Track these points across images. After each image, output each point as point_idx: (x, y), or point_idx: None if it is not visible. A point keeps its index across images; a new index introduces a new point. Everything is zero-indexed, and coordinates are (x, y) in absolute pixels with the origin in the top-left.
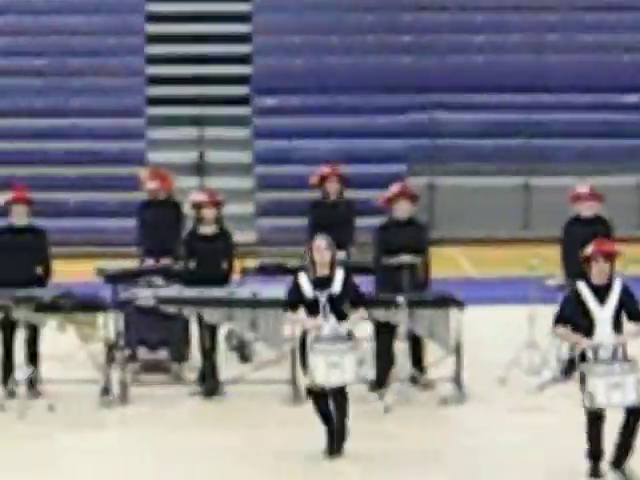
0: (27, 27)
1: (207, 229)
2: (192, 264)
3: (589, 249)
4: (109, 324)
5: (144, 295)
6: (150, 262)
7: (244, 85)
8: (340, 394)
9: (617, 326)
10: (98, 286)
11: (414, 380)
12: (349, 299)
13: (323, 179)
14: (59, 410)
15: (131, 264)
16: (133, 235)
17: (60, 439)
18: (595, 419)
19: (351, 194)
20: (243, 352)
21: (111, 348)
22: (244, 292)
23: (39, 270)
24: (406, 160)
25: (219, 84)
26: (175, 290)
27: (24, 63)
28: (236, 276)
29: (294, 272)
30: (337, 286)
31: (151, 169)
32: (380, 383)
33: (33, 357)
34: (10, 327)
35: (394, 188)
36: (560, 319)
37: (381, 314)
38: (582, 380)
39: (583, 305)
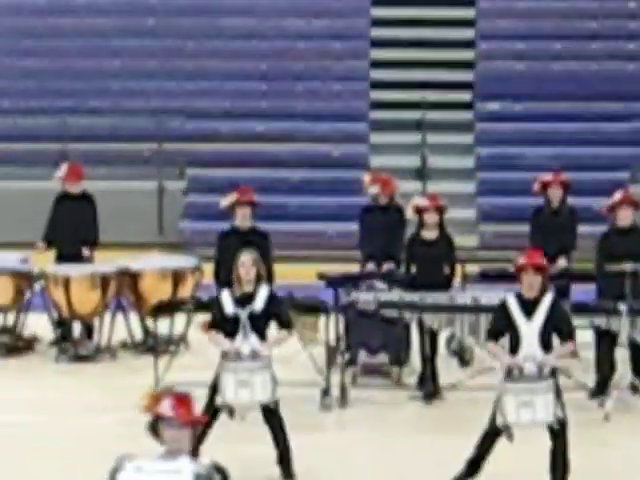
0: (254, 30)
1: (429, 234)
2: (413, 269)
3: (520, 260)
4: (330, 327)
5: (365, 299)
6: (371, 266)
7: (467, 90)
8: (270, 416)
9: (546, 342)
10: (320, 289)
11: (634, 388)
12: (274, 318)
13: (546, 186)
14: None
15: (352, 268)
16: (354, 239)
17: None
18: (492, 434)
19: (573, 201)
20: (463, 357)
21: (332, 351)
22: (465, 297)
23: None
24: (629, 167)
25: (442, 89)
26: (396, 294)
27: (249, 66)
28: (457, 281)
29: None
30: (259, 303)
31: (373, 173)
32: (600, 391)
33: None
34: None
35: (616, 195)
36: (491, 334)
37: (602, 321)
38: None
39: (509, 319)
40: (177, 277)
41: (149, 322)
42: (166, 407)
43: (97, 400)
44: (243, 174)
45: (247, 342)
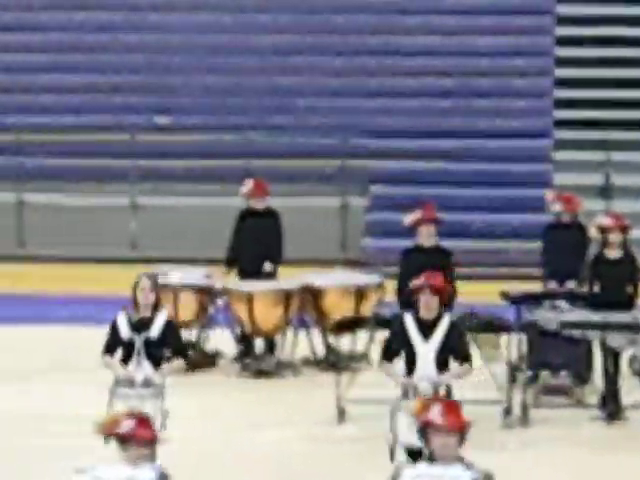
0: (438, 48)
1: (612, 253)
2: (596, 288)
3: (418, 280)
4: (512, 346)
5: (548, 318)
6: (553, 285)
7: None
8: None
9: (441, 363)
10: (501, 307)
11: None
12: (169, 346)
13: None
14: None
15: (535, 287)
16: (536, 257)
17: None
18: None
19: None
20: None
21: (514, 369)
22: None
23: None
24: None
25: (626, 108)
26: (579, 314)
27: (433, 84)
28: None
29: None
30: (156, 330)
31: (557, 191)
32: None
33: None
34: None
35: None
36: (386, 355)
37: None
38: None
39: (406, 338)
40: (360, 294)
41: (331, 338)
42: (436, 414)
43: (278, 415)
44: (426, 191)
45: (141, 369)
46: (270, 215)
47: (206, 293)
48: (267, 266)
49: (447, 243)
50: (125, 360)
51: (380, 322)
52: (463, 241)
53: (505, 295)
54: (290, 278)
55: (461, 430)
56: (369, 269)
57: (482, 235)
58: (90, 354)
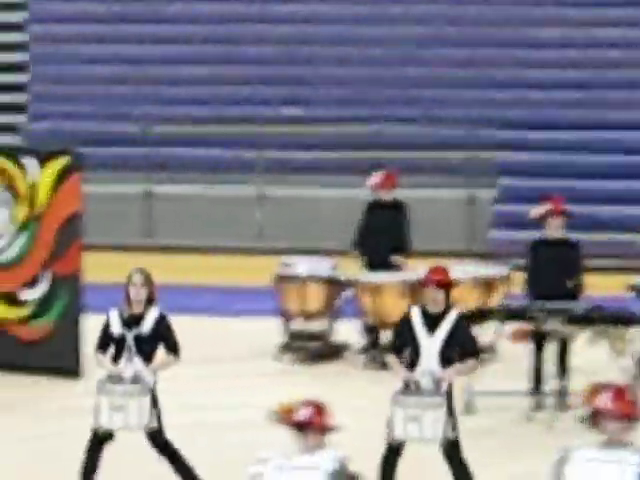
0: (570, 40)
1: None
2: None
3: (423, 275)
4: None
5: None
6: None
7: None
8: (153, 442)
9: (446, 359)
10: (629, 300)
11: None
12: (162, 342)
13: None
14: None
15: None
16: None
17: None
18: (391, 452)
19: None
20: None
21: None
22: None
23: (571, 283)
24: None
25: None
26: None
27: (563, 75)
28: None
29: None
30: (147, 326)
31: None
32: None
33: (563, 369)
34: (541, 338)
35: None
36: (392, 348)
37: None
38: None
39: (411, 332)
40: (487, 286)
41: None
42: (606, 400)
43: None
44: (554, 183)
45: (131, 365)
46: (397, 207)
47: (333, 284)
48: (395, 258)
49: (575, 235)
50: (117, 356)
51: (508, 314)
52: (591, 233)
53: (633, 288)
54: (417, 270)
55: (631, 416)
56: (496, 261)
57: (611, 227)
58: (219, 345)
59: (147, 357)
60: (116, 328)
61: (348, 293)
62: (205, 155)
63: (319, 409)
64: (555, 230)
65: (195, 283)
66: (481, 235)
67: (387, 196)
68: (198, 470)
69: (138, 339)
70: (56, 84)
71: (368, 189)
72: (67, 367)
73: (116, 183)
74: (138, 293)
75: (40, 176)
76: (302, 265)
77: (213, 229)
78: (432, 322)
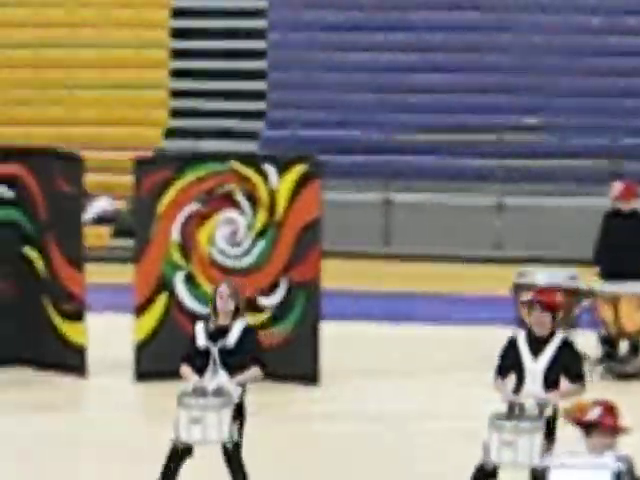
0: None
1: None
2: None
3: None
4: None
5: None
6: None
7: None
8: (227, 457)
9: (552, 382)
10: None
11: None
12: (247, 355)
13: None
14: None
15: None
16: None
17: None
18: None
19: None
20: None
21: None
22: None
23: None
24: None
25: None
26: None
27: None
28: None
29: None
30: (232, 338)
31: None
32: None
33: None
34: None
35: None
36: (498, 371)
37: None
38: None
39: (517, 355)
40: None
41: None
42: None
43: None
44: None
45: (215, 378)
46: (637, 217)
47: (571, 294)
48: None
49: None
50: (202, 370)
51: None
52: None
53: None
54: None
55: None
56: None
57: None
58: (453, 354)
59: (232, 370)
60: (201, 341)
61: (586, 303)
62: (444, 163)
63: (610, 410)
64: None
65: (430, 291)
66: None
67: (627, 206)
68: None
69: (223, 352)
70: (294, 91)
71: (609, 199)
72: (305, 374)
73: (355, 191)
74: (225, 305)
75: (280, 183)
76: (540, 275)
77: (451, 238)
78: (537, 345)
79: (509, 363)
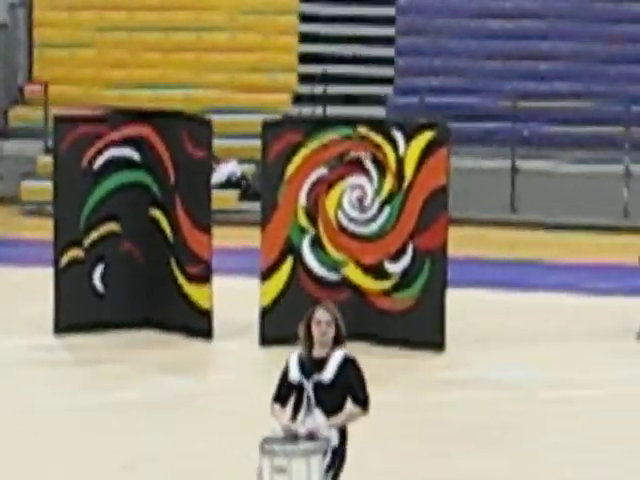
0: None
1: None
2: None
3: None
4: None
5: None
6: None
7: None
8: None
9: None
10: None
11: None
12: (347, 392)
13: None
14: None
15: None
16: None
17: None
18: None
19: None
20: None
21: None
22: None
23: None
24: None
25: None
26: None
27: None
28: None
29: None
30: (330, 372)
31: None
32: None
33: None
34: None
35: None
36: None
37: None
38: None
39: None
40: None
41: None
42: None
43: None
44: None
45: (310, 419)
46: None
47: None
48: None
49: None
50: (296, 408)
51: None
52: None
53: None
54: None
55: None
56: None
57: None
58: (580, 323)
59: (329, 409)
60: (294, 375)
61: None
62: (571, 131)
63: None
64: None
65: (557, 260)
66: None
67: None
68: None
69: (318, 388)
70: (423, 57)
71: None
72: (431, 340)
73: (482, 158)
74: (324, 333)
75: (407, 149)
76: None
77: (578, 206)
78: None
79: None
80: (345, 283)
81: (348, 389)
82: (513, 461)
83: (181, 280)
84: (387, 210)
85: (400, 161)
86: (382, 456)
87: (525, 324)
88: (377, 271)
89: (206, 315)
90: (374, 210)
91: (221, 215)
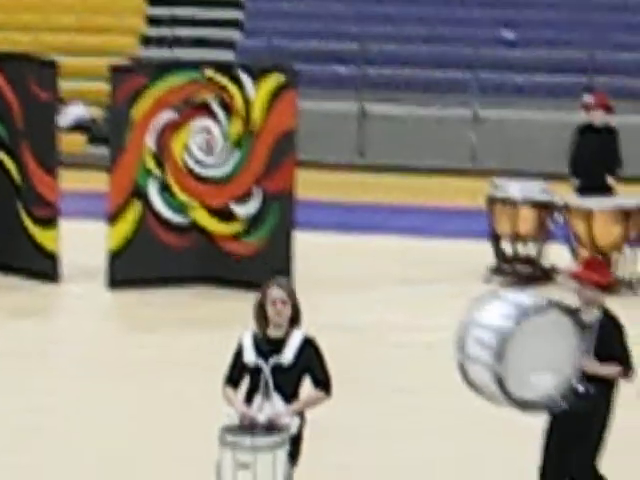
0: None
1: None
2: None
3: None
4: None
5: None
6: None
7: None
8: None
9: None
10: None
11: None
12: (308, 374)
13: None
14: None
15: None
16: None
17: None
18: None
19: None
20: None
21: None
22: None
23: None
24: None
25: None
26: None
27: None
28: None
29: None
30: (289, 354)
31: None
32: None
33: None
34: None
35: None
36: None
37: None
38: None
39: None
40: None
41: None
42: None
43: None
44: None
45: (268, 405)
46: (609, 131)
47: (545, 208)
48: (610, 180)
49: None
50: (251, 392)
51: None
52: None
53: None
54: (628, 195)
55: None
56: None
57: None
58: (425, 266)
59: (288, 394)
60: (250, 356)
61: (559, 217)
62: (420, 75)
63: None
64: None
65: (404, 203)
66: None
67: (599, 120)
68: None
69: (277, 371)
70: (272, 1)
71: (581, 110)
72: None
73: (330, 101)
74: (280, 312)
75: (255, 92)
76: (515, 188)
77: (426, 150)
78: (271, 346)
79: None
80: (193, 226)
81: (308, 371)
82: (362, 405)
83: (27, 222)
84: (235, 153)
85: (248, 104)
86: None
87: (372, 267)
88: (225, 214)
89: (52, 258)
90: (222, 153)
91: (70, 158)
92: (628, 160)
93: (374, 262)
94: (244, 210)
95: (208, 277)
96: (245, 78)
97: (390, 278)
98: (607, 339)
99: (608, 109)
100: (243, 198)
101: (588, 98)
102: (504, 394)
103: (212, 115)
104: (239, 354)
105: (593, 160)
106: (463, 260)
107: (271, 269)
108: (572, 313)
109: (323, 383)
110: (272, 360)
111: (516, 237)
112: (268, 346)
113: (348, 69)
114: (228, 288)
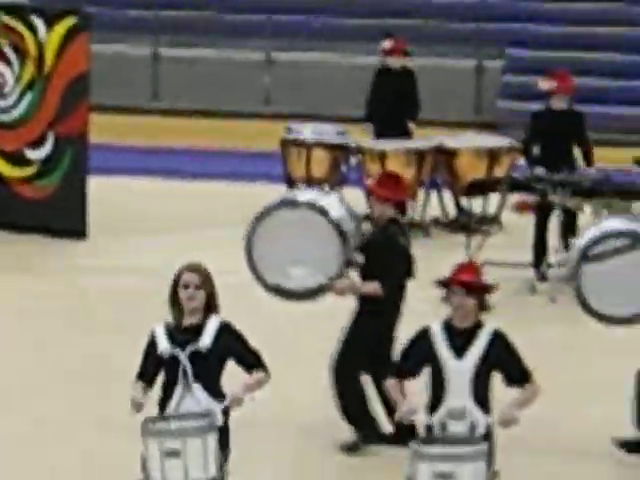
0: None
1: None
2: None
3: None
4: None
5: None
6: None
7: None
8: None
9: (479, 389)
10: (635, 174)
11: None
12: (234, 359)
13: None
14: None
15: None
16: None
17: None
18: None
19: None
20: None
21: None
22: None
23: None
24: None
25: None
26: None
27: None
28: None
29: None
30: (207, 338)
31: None
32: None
33: (567, 241)
34: (546, 210)
35: None
36: (398, 370)
37: None
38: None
39: (432, 353)
40: (493, 156)
41: (463, 200)
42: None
43: None
44: (561, 55)
45: (189, 397)
46: (406, 74)
47: (339, 150)
48: (410, 125)
49: (583, 108)
50: (171, 384)
51: (513, 185)
52: (599, 107)
53: (638, 161)
54: (424, 139)
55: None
56: (502, 131)
57: (619, 101)
58: (226, 209)
59: (210, 384)
60: (164, 346)
61: (354, 160)
62: (215, 18)
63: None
64: (559, 103)
65: (201, 146)
66: (488, 105)
67: (396, 63)
68: None
69: (196, 358)
70: None
71: (379, 55)
72: (72, 228)
73: (124, 44)
74: (192, 297)
75: (47, 35)
76: (307, 130)
77: (220, 93)
78: (459, 340)
79: (416, 362)
80: None
81: (231, 356)
82: None
83: None
84: (27, 97)
85: (41, 48)
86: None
87: (167, 211)
88: (18, 159)
89: None
90: (14, 97)
91: None
92: (424, 103)
93: (170, 206)
94: (37, 154)
95: (1, 222)
96: (37, 21)
97: (182, 221)
98: (372, 258)
99: (406, 54)
100: (36, 142)
101: (387, 43)
102: (257, 279)
103: (3, 58)
104: (152, 345)
105: (391, 103)
106: (257, 203)
107: (65, 213)
108: (325, 213)
109: (256, 364)
110: (189, 348)
111: (309, 181)
112: (184, 335)
113: (141, 13)
114: (22, 233)
